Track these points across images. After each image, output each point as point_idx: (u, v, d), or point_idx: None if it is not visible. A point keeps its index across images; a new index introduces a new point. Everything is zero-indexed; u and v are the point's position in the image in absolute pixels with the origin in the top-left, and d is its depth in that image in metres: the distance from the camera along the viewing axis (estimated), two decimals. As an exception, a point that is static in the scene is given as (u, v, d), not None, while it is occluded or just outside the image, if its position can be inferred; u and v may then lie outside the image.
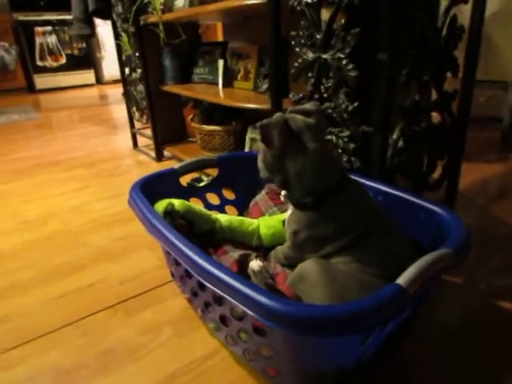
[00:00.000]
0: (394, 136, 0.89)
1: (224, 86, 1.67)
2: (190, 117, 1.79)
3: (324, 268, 0.64)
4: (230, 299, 0.54)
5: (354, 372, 0.65)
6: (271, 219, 0.93)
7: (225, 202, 1.09)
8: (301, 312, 0.48)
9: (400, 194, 0.78)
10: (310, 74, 0.96)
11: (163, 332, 0.83)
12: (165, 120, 1.95)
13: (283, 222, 0.90)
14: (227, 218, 0.92)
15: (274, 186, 1.05)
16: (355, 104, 0.88)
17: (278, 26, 1.02)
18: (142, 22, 1.72)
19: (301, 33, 0.95)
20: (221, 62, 1.63)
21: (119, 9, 1.81)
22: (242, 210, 1.11)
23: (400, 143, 0.91)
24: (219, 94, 1.57)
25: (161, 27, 1.62)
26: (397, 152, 0.91)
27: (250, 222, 0.93)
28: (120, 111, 3.40)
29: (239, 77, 1.64)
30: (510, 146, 1.88)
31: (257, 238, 0.92)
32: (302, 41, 0.96)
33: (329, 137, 0.96)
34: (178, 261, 0.77)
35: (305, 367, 0.60)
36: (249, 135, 1.60)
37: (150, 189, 0.90)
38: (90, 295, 0.97)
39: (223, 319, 0.70)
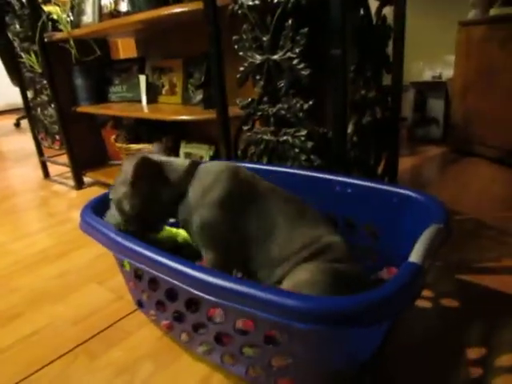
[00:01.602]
0: (349, 130, 0.92)
1: (148, 102, 1.59)
2: (113, 137, 1.66)
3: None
4: (249, 310, 0.49)
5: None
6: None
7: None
8: (335, 306, 0.46)
9: (370, 184, 0.80)
10: (258, 77, 0.96)
11: (141, 369, 0.73)
12: (81, 144, 1.79)
13: None
14: (184, 235, 0.86)
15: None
16: (310, 102, 0.89)
17: (218, 33, 0.99)
18: (46, 40, 1.57)
19: (244, 36, 0.95)
20: (142, 78, 1.55)
21: (17, 27, 1.63)
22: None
23: (354, 137, 0.94)
24: (147, 110, 1.49)
25: (72, 43, 1.49)
26: (352, 146, 0.94)
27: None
28: (16, 143, 3.05)
29: (164, 91, 1.57)
30: (416, 141, 2.09)
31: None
32: (247, 44, 0.95)
33: (284, 138, 0.96)
34: (154, 285, 0.70)
35: (325, 367, 0.56)
36: (182, 150, 1.54)
37: (101, 211, 0.80)
38: (38, 344, 0.82)
39: (219, 338, 0.64)
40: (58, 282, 1.05)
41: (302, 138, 0.93)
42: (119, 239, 0.66)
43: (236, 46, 0.97)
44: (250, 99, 1.00)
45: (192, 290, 0.54)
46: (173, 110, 1.45)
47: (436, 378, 0.67)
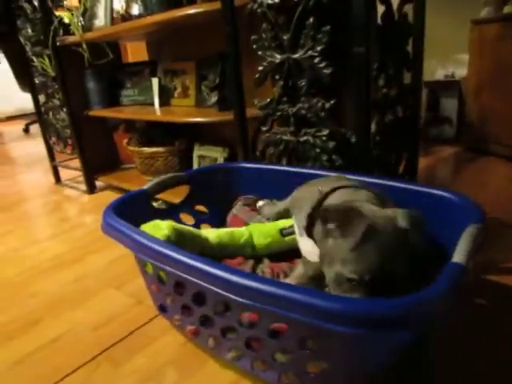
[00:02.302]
0: (372, 129, 0.90)
1: (160, 105, 1.58)
2: (126, 141, 1.65)
3: None
4: (291, 314, 0.47)
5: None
6: (265, 227, 0.87)
7: (200, 220, 1.00)
8: (379, 309, 0.44)
9: (399, 184, 0.78)
10: (277, 77, 0.94)
11: (166, 376, 0.72)
12: (93, 148, 1.78)
13: (281, 230, 0.85)
14: (216, 234, 0.84)
15: (253, 198, 1.00)
16: (331, 102, 0.88)
17: (235, 33, 0.98)
18: (58, 43, 1.56)
19: (263, 35, 0.93)
20: (155, 81, 1.54)
21: (28, 31, 1.62)
22: (218, 225, 1.03)
23: (376, 137, 0.93)
24: (159, 113, 1.48)
25: (84, 46, 1.48)
26: (374, 145, 0.92)
27: (240, 233, 0.86)
28: (25, 148, 3.05)
29: (176, 94, 1.56)
30: (429, 141, 2.07)
31: (250, 249, 0.85)
32: (266, 43, 0.93)
33: (304, 138, 0.95)
34: (180, 288, 0.68)
35: (361, 369, 0.54)
36: (196, 153, 1.53)
37: (122, 213, 0.78)
38: (59, 352, 0.80)
39: (249, 344, 0.62)
40: (75, 288, 1.03)
41: (324, 138, 0.92)
42: (145, 241, 0.64)
43: (254, 46, 0.96)
44: (268, 99, 0.99)
45: (226, 294, 0.53)
46: (186, 112, 1.43)
47: (471, 375, 0.65)
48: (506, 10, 1.56)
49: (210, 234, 0.84)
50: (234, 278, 0.52)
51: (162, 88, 1.56)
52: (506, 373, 0.66)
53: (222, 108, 1.30)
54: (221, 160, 1.42)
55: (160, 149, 1.54)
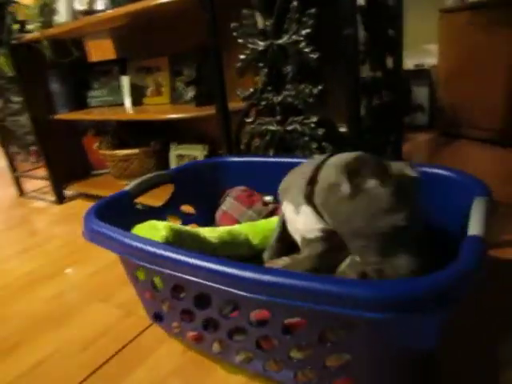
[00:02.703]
0: (362, 113, 0.88)
1: (132, 104, 1.50)
2: (96, 145, 1.56)
3: None
4: (315, 306, 0.43)
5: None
6: (259, 227, 0.83)
7: (187, 220, 0.95)
8: (412, 290, 0.41)
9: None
10: (261, 65, 0.90)
11: (170, 388, 0.66)
12: (60, 154, 1.67)
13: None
14: (216, 235, 0.79)
15: (243, 188, 0.95)
16: (319, 87, 0.85)
17: (215, 23, 0.93)
18: (15, 41, 1.45)
19: (244, 22, 0.89)
20: (126, 79, 1.46)
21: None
22: (206, 224, 0.97)
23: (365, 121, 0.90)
24: (132, 113, 1.40)
25: (45, 43, 1.38)
26: (364, 130, 0.90)
27: (238, 232, 0.81)
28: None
29: (149, 93, 1.49)
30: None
31: (248, 248, 0.81)
32: (248, 30, 0.89)
33: (292, 126, 0.91)
34: (179, 292, 0.63)
35: (388, 358, 0.51)
36: (173, 152, 1.46)
37: (104, 217, 0.72)
38: (45, 376, 0.73)
39: (259, 344, 0.58)
40: (56, 305, 0.95)
41: (312, 126, 0.88)
42: (140, 243, 0.59)
43: (235, 33, 0.91)
44: (252, 89, 0.94)
45: (237, 292, 0.48)
46: (161, 110, 1.37)
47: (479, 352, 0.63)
48: (471, -3, 1.60)
49: (208, 233, 0.79)
50: (248, 274, 0.47)
51: (132, 87, 1.49)
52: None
53: (200, 103, 1.25)
54: (201, 158, 1.36)
55: (134, 150, 1.46)
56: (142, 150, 1.47)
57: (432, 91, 1.92)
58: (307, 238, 0.67)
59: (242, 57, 0.92)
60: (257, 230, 0.82)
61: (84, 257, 1.16)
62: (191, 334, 0.68)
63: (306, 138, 0.90)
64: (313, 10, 0.80)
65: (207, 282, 0.51)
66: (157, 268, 0.57)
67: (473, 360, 0.63)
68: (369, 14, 0.86)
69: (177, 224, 0.77)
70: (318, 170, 0.63)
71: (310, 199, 0.63)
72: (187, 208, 0.97)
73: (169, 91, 1.43)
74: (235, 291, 0.48)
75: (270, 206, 0.93)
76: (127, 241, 0.60)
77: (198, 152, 1.38)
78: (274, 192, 0.89)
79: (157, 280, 0.66)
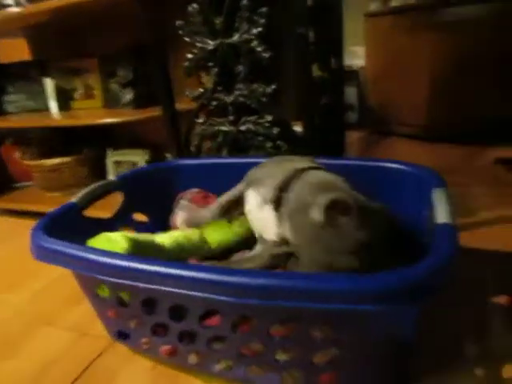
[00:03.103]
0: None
1: (59, 109, 1.38)
2: (19, 155, 1.41)
3: None
4: (308, 304, 0.43)
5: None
6: (218, 232, 0.80)
7: (140, 229, 0.89)
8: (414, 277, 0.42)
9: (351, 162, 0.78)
10: (211, 64, 0.88)
11: (145, 409, 0.61)
12: (-26, 168, 1.49)
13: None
14: (172, 238, 0.75)
15: (197, 190, 0.92)
16: (273, 86, 0.85)
17: (155, 20, 0.89)
18: None
19: (191, 20, 0.86)
20: (49, 83, 1.34)
21: None
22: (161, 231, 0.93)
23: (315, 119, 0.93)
24: (64, 118, 1.29)
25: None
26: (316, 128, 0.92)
27: (193, 232, 0.78)
28: None
29: (78, 96, 1.39)
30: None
31: (204, 249, 0.78)
32: (195, 29, 0.87)
33: (245, 126, 0.90)
34: (150, 307, 0.58)
35: (374, 350, 0.53)
36: (110, 159, 1.38)
37: (53, 232, 0.65)
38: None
39: (240, 350, 0.56)
40: (-7, 335, 0.84)
41: (267, 125, 0.88)
42: (106, 258, 0.53)
43: (181, 32, 0.88)
44: (201, 89, 0.92)
45: (223, 298, 0.46)
46: (94, 114, 1.28)
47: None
48: (394, 3, 1.72)
49: (164, 238, 0.74)
50: (234, 279, 0.45)
51: (58, 90, 1.37)
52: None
53: (139, 106, 1.19)
54: (142, 163, 1.30)
55: (65, 159, 1.35)
56: (73, 158, 1.35)
57: (360, 91, 2.03)
58: (263, 237, 0.69)
59: (189, 56, 0.90)
60: (215, 235, 0.80)
61: (17, 280, 1.04)
62: (164, 348, 0.64)
63: (261, 138, 0.90)
64: (264, 9, 0.80)
65: (187, 292, 0.48)
66: (128, 282, 0.52)
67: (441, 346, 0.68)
68: (315, 15, 0.88)
69: (131, 233, 0.72)
70: (292, 178, 0.63)
71: (276, 204, 0.64)
72: (139, 216, 0.91)
73: (101, 94, 1.34)
74: (219, 297, 0.46)
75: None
76: (92, 257, 0.54)
77: (138, 157, 1.31)
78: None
79: (124, 295, 0.61)
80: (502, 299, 0.74)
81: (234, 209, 0.78)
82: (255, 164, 0.81)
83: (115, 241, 0.63)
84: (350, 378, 0.55)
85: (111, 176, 1.37)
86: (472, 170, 1.41)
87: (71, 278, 0.65)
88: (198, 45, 0.87)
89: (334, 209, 0.53)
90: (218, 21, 0.84)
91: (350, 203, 0.52)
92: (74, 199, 0.77)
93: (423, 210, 0.64)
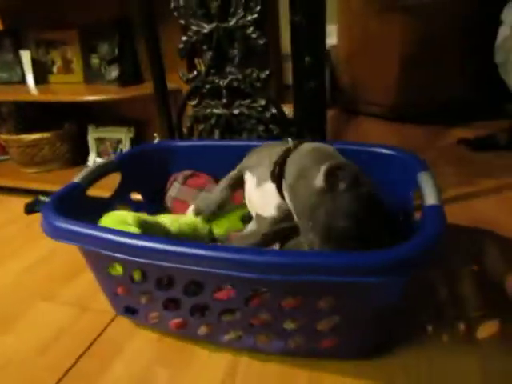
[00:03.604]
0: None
1: (36, 83, 1.34)
2: (-7, 129, 1.36)
3: None
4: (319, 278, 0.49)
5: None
6: (227, 220, 0.85)
7: (137, 208, 0.92)
8: (403, 254, 0.49)
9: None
10: (205, 47, 0.90)
11: (156, 377, 0.67)
12: None
13: (242, 218, 0.84)
14: (176, 226, 0.79)
15: (189, 172, 0.95)
16: (267, 72, 0.88)
17: None
18: None
19: (187, 2, 0.87)
20: (25, 54, 1.29)
21: None
22: (157, 211, 0.96)
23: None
24: (39, 92, 1.26)
25: None
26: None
27: (202, 226, 0.82)
28: None
29: (55, 69, 1.35)
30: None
31: (210, 239, 0.83)
32: (190, 11, 0.87)
33: (238, 110, 0.94)
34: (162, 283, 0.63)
35: (369, 315, 0.60)
36: (91, 135, 1.36)
37: (61, 212, 0.67)
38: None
39: (250, 323, 0.62)
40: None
41: (260, 109, 0.92)
42: (128, 239, 0.57)
43: (176, 14, 0.89)
44: (195, 72, 0.94)
45: (240, 274, 0.51)
46: (75, 90, 1.26)
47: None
48: (367, -16, 1.75)
49: (168, 222, 0.78)
50: (253, 257, 0.51)
51: (34, 63, 1.32)
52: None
53: (124, 83, 1.18)
54: (126, 141, 1.30)
55: (45, 134, 1.32)
56: (54, 133, 1.33)
57: (332, 70, 2.08)
58: (261, 215, 0.74)
59: (184, 38, 0.91)
60: (223, 223, 0.84)
61: (8, 252, 1.04)
62: (175, 321, 0.69)
63: (253, 121, 0.93)
64: (260, -4, 0.82)
65: (213, 270, 0.53)
66: (146, 261, 0.56)
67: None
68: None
69: (139, 214, 0.75)
70: (288, 152, 0.68)
71: (276, 177, 0.68)
72: (135, 195, 0.94)
73: (81, 69, 1.31)
74: (243, 274, 0.52)
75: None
76: (115, 238, 0.57)
77: (121, 135, 1.31)
78: (222, 175, 0.92)
79: (135, 273, 0.65)
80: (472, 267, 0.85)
81: (239, 185, 0.81)
82: (248, 146, 0.85)
83: (127, 223, 0.66)
84: (347, 339, 0.62)
85: (93, 153, 1.36)
86: (437, 150, 1.51)
87: (60, 253, 0.68)
88: (193, 28, 0.88)
89: (333, 175, 0.57)
90: (214, 5, 0.85)
91: (348, 169, 0.57)
92: (76, 179, 0.78)
93: (409, 191, 0.71)
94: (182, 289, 0.62)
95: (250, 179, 0.76)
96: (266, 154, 0.74)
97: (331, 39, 2.06)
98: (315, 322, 0.59)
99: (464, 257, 0.88)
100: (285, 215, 0.70)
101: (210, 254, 0.51)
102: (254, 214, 0.78)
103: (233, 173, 0.82)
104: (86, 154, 1.39)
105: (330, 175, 0.58)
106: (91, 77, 1.29)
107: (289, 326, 0.61)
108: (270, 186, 0.70)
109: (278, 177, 0.67)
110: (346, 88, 1.99)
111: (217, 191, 0.83)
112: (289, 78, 2.15)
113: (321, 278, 0.48)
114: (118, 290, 0.71)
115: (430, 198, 0.60)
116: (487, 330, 0.69)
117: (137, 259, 0.56)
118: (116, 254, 0.58)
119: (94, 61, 1.26)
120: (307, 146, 0.68)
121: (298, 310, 0.58)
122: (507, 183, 1.18)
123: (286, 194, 0.67)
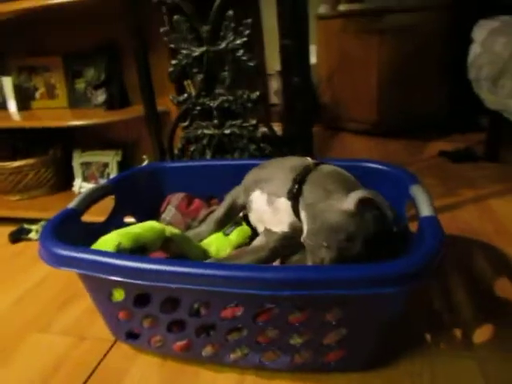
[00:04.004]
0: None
1: (18, 109, 1.32)
2: (-25, 157, 1.33)
3: None
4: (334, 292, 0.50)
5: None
6: (216, 241, 0.85)
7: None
8: (411, 266, 0.51)
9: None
10: (195, 70, 0.92)
11: (164, 402, 0.65)
12: None
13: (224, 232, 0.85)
14: (175, 232, 0.78)
15: (182, 195, 0.95)
16: (257, 93, 0.91)
17: (138, 22, 0.91)
18: None
19: (177, 27, 0.89)
20: (8, 80, 1.28)
21: None
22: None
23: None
24: (22, 118, 1.24)
25: None
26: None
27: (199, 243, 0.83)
28: None
29: (38, 95, 1.34)
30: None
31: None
32: (181, 36, 0.89)
33: (229, 130, 0.95)
34: (167, 306, 0.62)
35: (375, 327, 0.61)
36: (77, 160, 1.35)
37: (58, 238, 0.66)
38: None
39: (256, 340, 0.62)
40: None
41: (251, 128, 0.94)
42: (133, 263, 0.57)
43: (166, 39, 0.91)
44: (186, 94, 0.95)
45: (251, 292, 0.52)
46: (59, 115, 1.25)
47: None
48: (342, 7, 1.83)
49: (169, 230, 0.78)
50: (271, 274, 0.52)
51: (16, 89, 1.31)
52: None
53: (112, 107, 1.18)
54: (113, 164, 1.29)
55: (29, 161, 1.30)
56: (39, 159, 1.31)
57: (313, 88, 2.14)
58: (272, 230, 0.75)
59: (173, 62, 0.92)
60: (222, 246, 0.84)
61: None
62: (179, 343, 0.68)
63: (245, 141, 0.95)
64: (249, 20, 0.85)
65: (222, 289, 0.53)
66: (160, 284, 0.56)
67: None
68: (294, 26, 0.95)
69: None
70: (308, 171, 0.70)
71: (293, 195, 0.69)
72: (128, 218, 0.93)
73: (65, 94, 1.31)
74: (255, 292, 0.52)
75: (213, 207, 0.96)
76: (118, 262, 0.57)
77: (108, 158, 1.30)
78: (216, 194, 0.93)
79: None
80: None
81: (228, 221, 0.85)
82: (242, 165, 0.87)
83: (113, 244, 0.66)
84: (354, 351, 0.63)
85: (78, 178, 1.35)
86: (419, 163, 1.57)
87: (51, 282, 0.66)
88: (184, 51, 0.90)
89: (364, 203, 0.61)
90: (204, 29, 0.87)
91: (375, 200, 0.60)
92: (71, 205, 0.77)
93: (402, 204, 0.74)
94: (188, 310, 0.61)
95: (258, 197, 0.76)
96: (278, 170, 0.75)
97: (312, 58, 2.12)
98: (322, 335, 0.60)
99: (454, 265, 0.91)
100: (295, 232, 0.71)
101: (223, 274, 0.52)
102: (260, 229, 0.78)
103: (225, 205, 0.83)
104: (71, 179, 1.37)
105: (362, 202, 0.61)
106: (76, 101, 1.28)
107: (296, 340, 0.61)
108: (285, 204, 0.71)
109: (296, 195, 0.69)
110: (328, 105, 2.04)
111: (209, 224, 0.85)
112: (273, 98, 2.22)
113: (340, 292, 0.49)
114: (120, 315, 0.69)
115: (425, 210, 0.63)
116: (483, 334, 0.72)
117: (143, 282, 0.56)
118: (121, 279, 0.57)
119: (79, 86, 1.26)
120: (328, 168, 0.71)
121: (305, 324, 0.58)
122: (487, 193, 1.24)
123: (302, 213, 0.68)
